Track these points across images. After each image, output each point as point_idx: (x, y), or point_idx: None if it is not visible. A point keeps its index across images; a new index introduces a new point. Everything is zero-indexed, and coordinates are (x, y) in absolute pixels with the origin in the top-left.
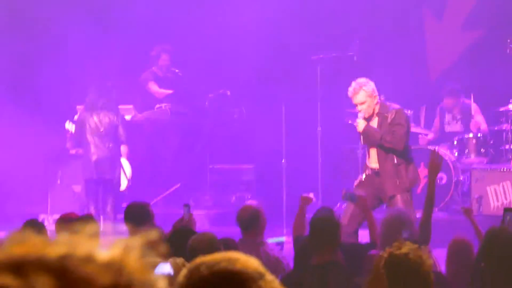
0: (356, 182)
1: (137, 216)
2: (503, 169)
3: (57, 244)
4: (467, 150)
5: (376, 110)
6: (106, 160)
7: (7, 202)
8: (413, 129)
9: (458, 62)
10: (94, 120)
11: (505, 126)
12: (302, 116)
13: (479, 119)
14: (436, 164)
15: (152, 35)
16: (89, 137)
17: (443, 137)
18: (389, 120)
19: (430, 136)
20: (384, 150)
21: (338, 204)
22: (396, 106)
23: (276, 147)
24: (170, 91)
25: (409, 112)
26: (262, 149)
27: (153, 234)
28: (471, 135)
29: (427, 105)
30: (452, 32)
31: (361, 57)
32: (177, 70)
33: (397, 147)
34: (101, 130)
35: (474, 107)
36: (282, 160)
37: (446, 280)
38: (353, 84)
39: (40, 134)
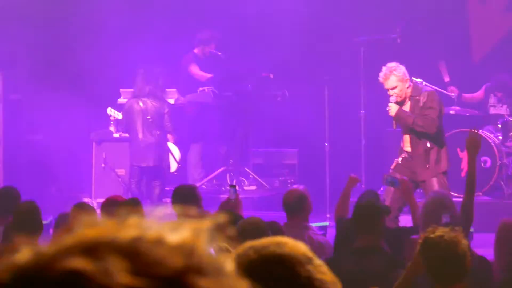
0: (392, 165)
1: (184, 198)
2: None
3: (128, 227)
4: (511, 133)
5: (409, 93)
6: (153, 147)
7: (51, 186)
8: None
9: (501, 43)
10: (141, 107)
11: None
12: (345, 99)
13: None
14: (475, 143)
15: (194, 17)
16: (136, 123)
17: (487, 120)
18: (421, 103)
19: (454, 94)
20: (416, 134)
21: (382, 188)
22: (429, 88)
23: (319, 130)
24: (210, 75)
25: (453, 95)
26: (305, 133)
27: (221, 218)
28: None
29: (469, 87)
30: (496, 13)
31: (404, 39)
32: (219, 53)
33: (429, 130)
34: (148, 118)
35: None
36: (325, 144)
37: (489, 264)
38: (384, 69)
39: (84, 117)
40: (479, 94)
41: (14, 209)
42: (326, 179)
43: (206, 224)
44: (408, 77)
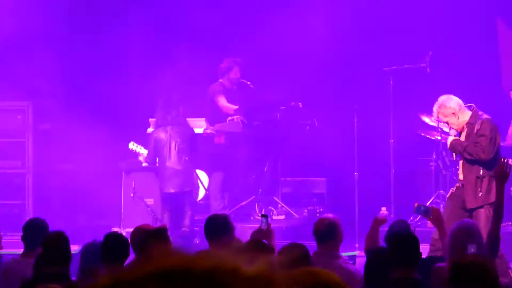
0: (448, 194)
1: (218, 228)
2: None
3: (203, 258)
4: None
5: (466, 121)
6: (181, 174)
7: (80, 215)
8: None
9: None
10: (166, 135)
11: None
12: (375, 128)
13: None
14: (503, 172)
15: (221, 45)
16: (163, 152)
17: None
18: (475, 130)
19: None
20: (469, 162)
21: (411, 218)
22: (485, 116)
23: (348, 159)
24: (237, 107)
25: None
26: (334, 162)
27: (296, 250)
28: None
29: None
30: None
31: (434, 68)
32: (248, 82)
33: (480, 158)
34: (174, 145)
35: None
36: (354, 173)
37: None
38: (435, 104)
39: (113, 146)
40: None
41: (43, 240)
42: (355, 209)
43: (280, 258)
44: (461, 107)
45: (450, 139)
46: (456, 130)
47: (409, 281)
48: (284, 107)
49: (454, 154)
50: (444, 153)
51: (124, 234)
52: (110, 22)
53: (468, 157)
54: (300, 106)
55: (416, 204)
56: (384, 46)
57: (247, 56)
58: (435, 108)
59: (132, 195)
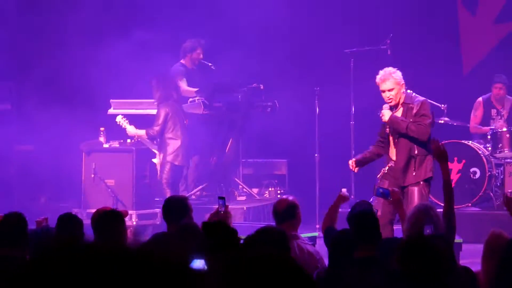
0: (379, 174)
1: (176, 210)
2: None
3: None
4: (500, 144)
5: (402, 100)
6: (186, 148)
7: (41, 196)
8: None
9: (491, 56)
10: (174, 110)
11: None
12: (335, 110)
13: None
14: (440, 151)
15: (183, 28)
16: (173, 125)
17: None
18: (414, 110)
19: (443, 106)
20: (408, 140)
21: (371, 199)
22: (421, 98)
23: (309, 141)
24: (196, 89)
25: (443, 106)
26: (295, 143)
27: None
28: (504, 129)
29: (460, 100)
30: (485, 25)
31: (394, 51)
32: (210, 64)
33: (421, 137)
34: (180, 120)
35: None
36: (315, 155)
37: (474, 275)
38: (381, 72)
39: (74, 128)
40: (479, 113)
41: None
42: (316, 190)
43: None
44: (404, 83)
45: (388, 113)
46: (391, 103)
47: (372, 260)
48: (245, 89)
49: (387, 127)
50: None
51: (84, 215)
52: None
53: (411, 134)
54: (262, 87)
55: (375, 186)
56: (345, 28)
57: (209, 37)
58: (386, 72)
59: (92, 176)
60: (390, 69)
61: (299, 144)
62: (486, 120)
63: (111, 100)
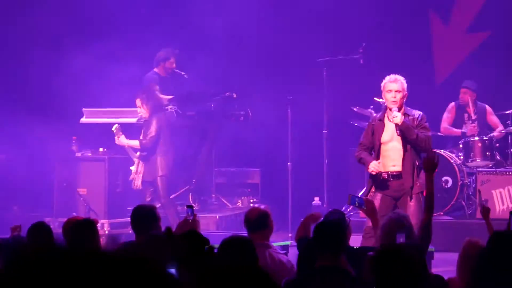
0: (371, 187)
1: (144, 218)
2: (509, 172)
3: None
4: (472, 153)
5: (403, 111)
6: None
7: (13, 205)
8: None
9: (464, 65)
10: (166, 119)
11: (510, 129)
12: (308, 119)
13: (495, 119)
14: (432, 162)
15: (156, 37)
16: (166, 135)
17: (449, 140)
18: (416, 122)
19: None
20: (413, 149)
21: (344, 207)
22: (418, 111)
23: (282, 150)
24: (170, 97)
25: None
26: (268, 152)
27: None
28: (476, 138)
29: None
30: (458, 35)
31: (367, 60)
32: (183, 73)
33: (427, 147)
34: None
35: (488, 108)
36: (288, 163)
37: (446, 283)
38: (391, 75)
39: (45, 136)
40: (450, 117)
41: None
42: (289, 198)
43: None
44: (406, 93)
45: (400, 115)
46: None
47: (333, 269)
48: (218, 98)
49: (397, 130)
50: None
51: (56, 224)
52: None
53: (419, 143)
54: (235, 96)
55: (350, 195)
56: (318, 37)
57: (182, 46)
58: (393, 77)
59: (65, 185)
60: (400, 76)
61: (272, 153)
62: (458, 124)
63: (83, 109)
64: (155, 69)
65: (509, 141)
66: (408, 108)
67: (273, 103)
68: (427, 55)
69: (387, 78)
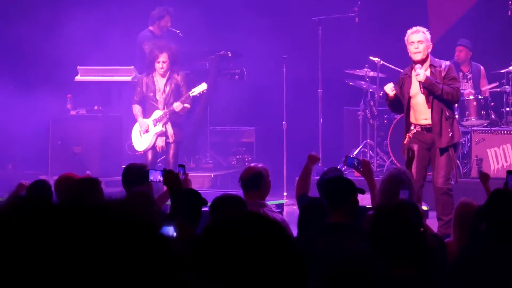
0: (405, 140)
1: (134, 177)
2: (504, 131)
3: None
4: (467, 112)
5: (429, 62)
6: None
7: (7, 164)
8: None
9: (459, 24)
10: None
11: (506, 88)
12: (303, 78)
13: (485, 83)
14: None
15: None
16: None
17: None
18: (443, 73)
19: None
20: (440, 102)
21: (339, 166)
22: (447, 62)
23: (277, 108)
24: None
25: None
26: (263, 111)
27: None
28: (471, 97)
29: None
30: None
31: (362, 19)
32: (177, 31)
33: (455, 99)
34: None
35: (482, 69)
36: (283, 122)
37: (444, 243)
38: (414, 27)
39: (39, 94)
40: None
41: None
42: (284, 157)
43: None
44: (432, 44)
45: (423, 72)
46: (418, 56)
47: (344, 226)
48: (213, 56)
49: (420, 87)
50: (371, 102)
51: (52, 182)
52: None
53: (446, 97)
54: (229, 55)
55: (346, 156)
56: None
57: (176, 4)
58: (414, 28)
59: (59, 143)
60: (422, 27)
61: (267, 111)
62: None
63: (78, 67)
64: (150, 27)
65: (504, 100)
66: (436, 60)
67: (268, 62)
68: (422, 13)
69: (409, 30)
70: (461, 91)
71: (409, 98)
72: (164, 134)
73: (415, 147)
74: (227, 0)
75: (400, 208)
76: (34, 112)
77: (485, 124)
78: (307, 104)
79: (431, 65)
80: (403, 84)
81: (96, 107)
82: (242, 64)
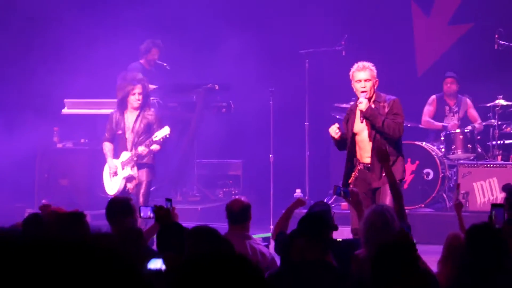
0: (350, 180)
1: (119, 211)
2: (490, 165)
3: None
4: (453, 146)
5: (373, 98)
6: None
7: None
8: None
9: (445, 58)
10: None
11: (492, 122)
12: (290, 111)
13: (474, 113)
14: (381, 152)
15: (140, 29)
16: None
17: (430, 132)
18: (386, 108)
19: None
20: (385, 140)
21: (325, 199)
22: (392, 96)
23: (264, 141)
24: (155, 86)
25: None
26: (250, 144)
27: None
28: (458, 130)
29: (414, 101)
30: (440, 27)
31: (349, 52)
32: (165, 64)
33: (396, 135)
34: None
35: (469, 101)
36: (269, 155)
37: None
38: (358, 63)
39: (27, 128)
40: (431, 110)
41: None
42: (270, 190)
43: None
44: (377, 80)
45: (366, 102)
46: (366, 96)
47: (320, 264)
48: (200, 89)
49: (361, 117)
50: None
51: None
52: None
53: (386, 130)
54: (217, 88)
55: (335, 186)
56: (300, 28)
57: (164, 37)
58: (365, 63)
59: (46, 176)
60: (368, 63)
61: (254, 144)
62: (440, 118)
63: (65, 100)
64: (141, 61)
65: (490, 134)
66: (382, 94)
67: (255, 95)
68: (409, 47)
69: (355, 66)
70: (445, 124)
71: (354, 135)
72: (132, 177)
73: (359, 187)
74: (215, 33)
75: (402, 246)
76: (20, 145)
77: (471, 158)
78: (294, 137)
79: (375, 101)
80: (348, 120)
81: (82, 140)
82: (229, 97)
